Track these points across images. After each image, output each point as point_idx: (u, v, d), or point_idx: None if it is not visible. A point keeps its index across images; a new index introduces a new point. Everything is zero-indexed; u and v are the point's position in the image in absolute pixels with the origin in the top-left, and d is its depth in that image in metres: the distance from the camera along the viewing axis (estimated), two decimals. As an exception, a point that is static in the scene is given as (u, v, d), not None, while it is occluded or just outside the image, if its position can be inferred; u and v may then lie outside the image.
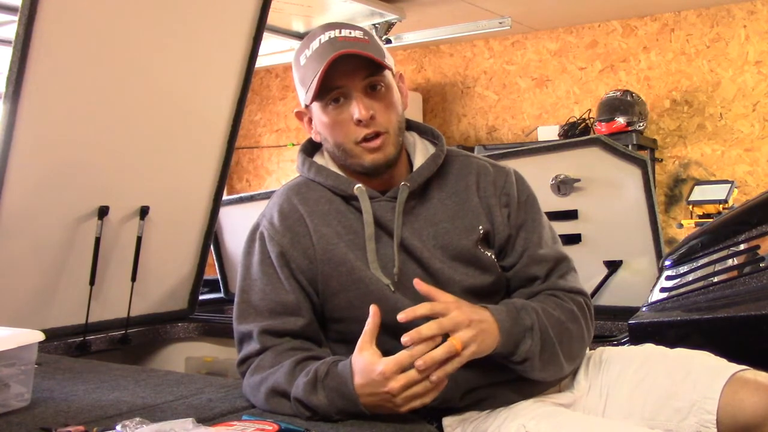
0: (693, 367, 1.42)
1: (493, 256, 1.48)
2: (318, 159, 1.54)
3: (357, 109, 1.39)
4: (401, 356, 1.22)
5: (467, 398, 1.42)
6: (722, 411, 1.33)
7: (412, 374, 1.22)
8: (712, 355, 1.46)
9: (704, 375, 1.39)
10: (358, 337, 1.28)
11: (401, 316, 1.24)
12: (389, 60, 1.45)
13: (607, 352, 1.58)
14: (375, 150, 1.42)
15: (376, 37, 1.47)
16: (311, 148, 1.57)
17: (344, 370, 1.26)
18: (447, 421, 1.44)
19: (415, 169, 1.49)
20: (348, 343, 1.39)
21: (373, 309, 1.28)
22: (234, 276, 3.50)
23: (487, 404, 1.43)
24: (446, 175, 1.52)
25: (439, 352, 1.21)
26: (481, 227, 1.46)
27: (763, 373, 1.37)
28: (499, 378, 1.41)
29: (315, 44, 1.42)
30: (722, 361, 1.43)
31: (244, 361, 1.42)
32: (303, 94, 1.46)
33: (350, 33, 1.42)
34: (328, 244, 1.44)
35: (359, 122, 1.40)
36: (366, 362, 1.24)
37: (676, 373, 1.42)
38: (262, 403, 1.35)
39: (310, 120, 1.50)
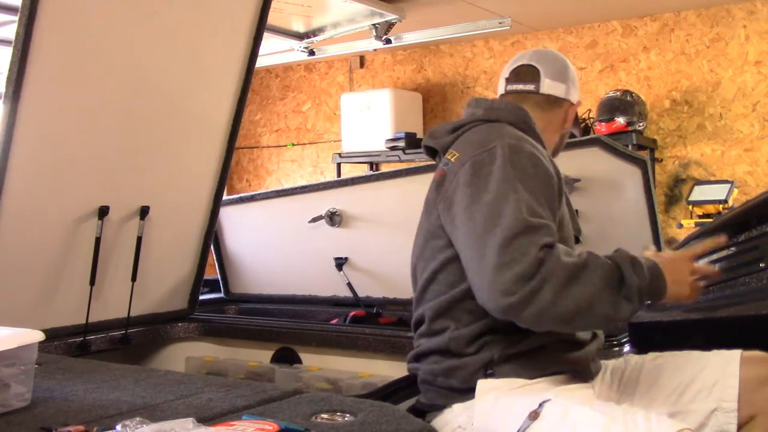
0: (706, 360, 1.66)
1: None
2: None
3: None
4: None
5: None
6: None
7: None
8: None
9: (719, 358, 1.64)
10: None
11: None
12: None
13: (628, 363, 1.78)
14: None
15: None
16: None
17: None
18: (481, 385, 1.56)
19: None
20: None
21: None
22: (234, 276, 3.51)
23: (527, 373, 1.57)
24: None
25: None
26: None
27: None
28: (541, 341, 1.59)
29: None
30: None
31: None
32: (578, 97, 1.88)
33: None
34: None
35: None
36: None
37: (692, 365, 1.65)
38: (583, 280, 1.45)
39: (569, 110, 1.85)
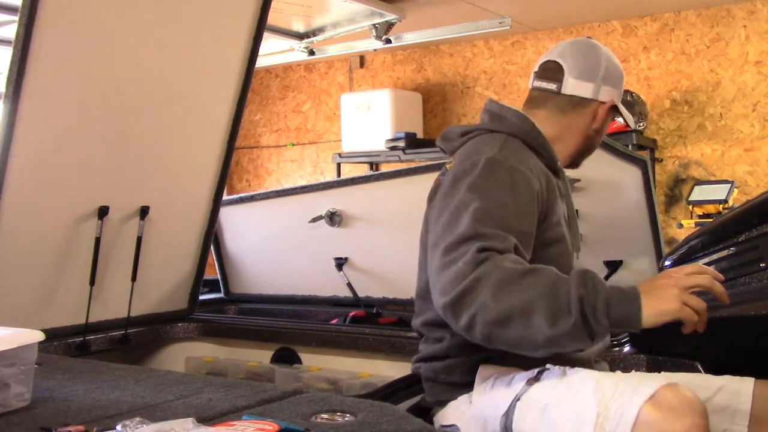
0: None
1: None
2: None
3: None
4: None
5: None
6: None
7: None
8: None
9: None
10: None
11: None
12: None
13: None
14: None
15: None
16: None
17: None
18: (482, 371, 1.56)
19: None
20: None
21: None
22: (234, 276, 3.51)
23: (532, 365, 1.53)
24: None
25: None
26: None
27: None
28: None
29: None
30: None
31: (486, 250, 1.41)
32: (617, 94, 1.78)
33: None
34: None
35: None
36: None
37: (705, 387, 1.63)
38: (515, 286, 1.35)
39: (606, 110, 1.77)
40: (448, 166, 1.68)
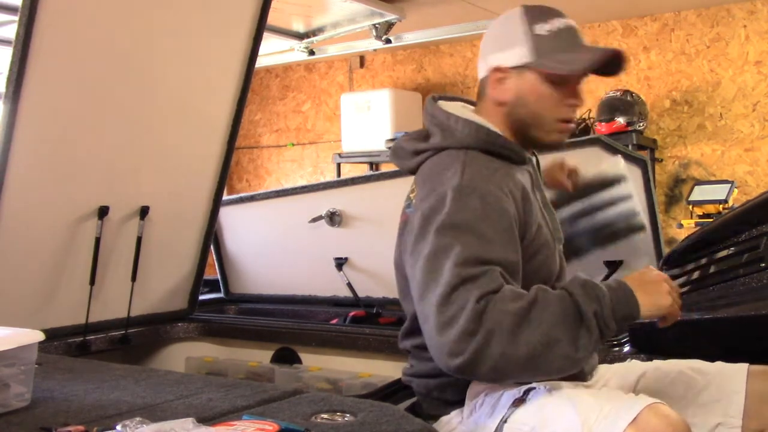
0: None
1: None
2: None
3: (581, 96, 1.56)
4: None
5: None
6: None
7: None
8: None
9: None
10: None
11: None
12: None
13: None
14: (565, 132, 1.58)
15: None
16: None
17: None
18: (473, 387, 1.53)
19: None
20: None
21: None
22: (234, 276, 3.51)
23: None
24: None
25: None
26: None
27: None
28: None
29: (561, 24, 1.53)
30: None
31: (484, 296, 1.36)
32: (532, 57, 1.51)
33: None
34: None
35: (575, 106, 1.56)
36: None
37: (698, 378, 1.62)
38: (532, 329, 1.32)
39: (501, 80, 1.55)
40: (411, 195, 1.59)
